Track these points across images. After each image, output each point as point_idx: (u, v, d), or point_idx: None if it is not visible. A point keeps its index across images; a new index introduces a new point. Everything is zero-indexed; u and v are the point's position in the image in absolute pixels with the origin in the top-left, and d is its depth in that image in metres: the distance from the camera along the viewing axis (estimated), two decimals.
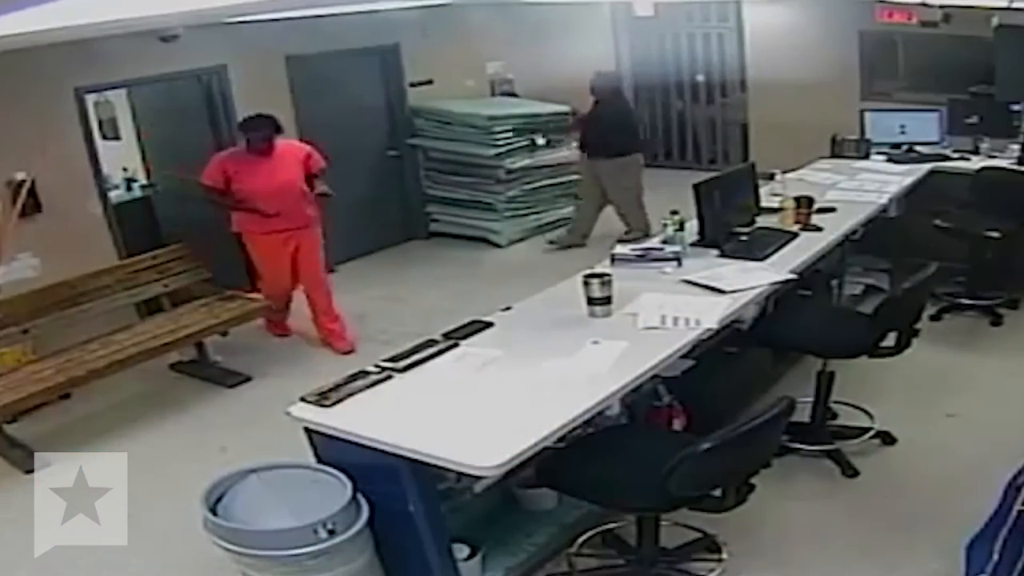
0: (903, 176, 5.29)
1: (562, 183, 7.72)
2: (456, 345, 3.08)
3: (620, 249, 3.88)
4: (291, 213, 5.08)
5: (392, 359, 2.96)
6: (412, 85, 7.48)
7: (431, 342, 3.09)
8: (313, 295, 5.39)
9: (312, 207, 5.23)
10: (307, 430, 2.72)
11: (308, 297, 5.41)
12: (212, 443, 4.29)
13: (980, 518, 2.59)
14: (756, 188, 4.53)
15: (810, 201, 4.34)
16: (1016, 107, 5.63)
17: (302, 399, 2.74)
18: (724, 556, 3.09)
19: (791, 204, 4.33)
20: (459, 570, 2.76)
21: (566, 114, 7.26)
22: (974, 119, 5.80)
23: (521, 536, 3.10)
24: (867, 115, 6.00)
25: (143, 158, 6.93)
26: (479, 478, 2.65)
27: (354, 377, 2.86)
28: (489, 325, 3.26)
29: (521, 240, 7.50)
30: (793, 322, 3.78)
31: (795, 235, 4.16)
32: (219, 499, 2.63)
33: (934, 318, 4.97)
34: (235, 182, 5.04)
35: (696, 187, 4.06)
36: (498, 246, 7.44)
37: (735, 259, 3.84)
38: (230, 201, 5.09)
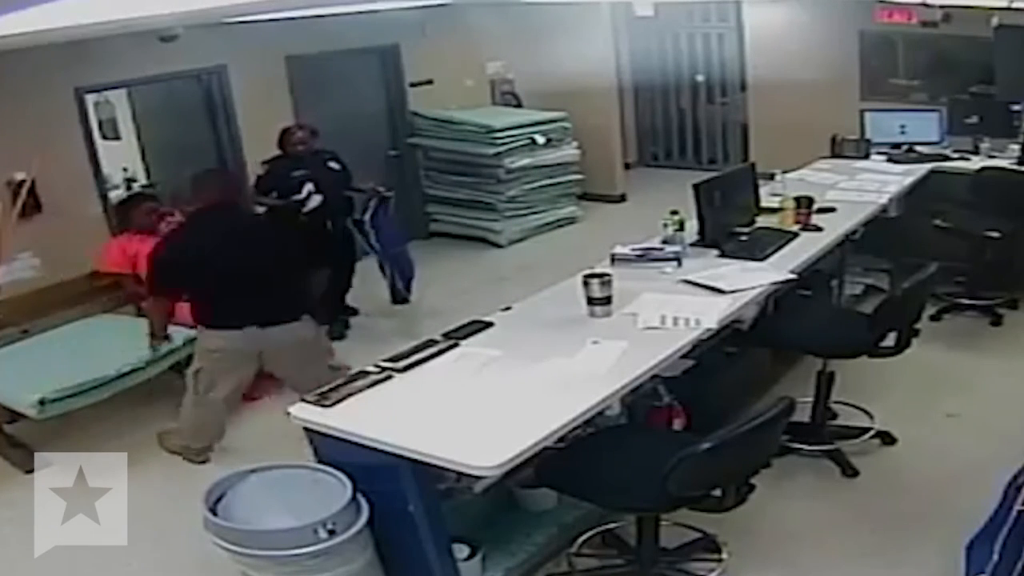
0: (903, 176, 5.28)
1: (562, 183, 7.74)
2: (456, 345, 3.08)
3: (620, 249, 3.87)
4: None
5: (392, 359, 2.95)
6: (412, 85, 7.48)
7: (431, 342, 3.09)
8: None
9: None
10: (307, 430, 2.71)
11: None
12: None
13: (980, 518, 2.59)
14: (756, 188, 4.52)
15: (810, 201, 4.34)
16: (1016, 107, 5.62)
17: (302, 399, 2.75)
18: (724, 556, 3.09)
19: (791, 204, 4.33)
20: (459, 570, 2.75)
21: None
22: (974, 119, 5.80)
23: (521, 536, 3.10)
24: (867, 115, 5.99)
25: (143, 158, 6.94)
26: (479, 478, 2.65)
27: (354, 377, 2.86)
28: (489, 325, 3.26)
29: (521, 240, 7.50)
30: (793, 322, 3.78)
31: (795, 235, 4.16)
32: (219, 499, 2.63)
33: (934, 318, 4.97)
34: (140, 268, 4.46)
35: (696, 187, 4.06)
36: (498, 246, 7.44)
37: (735, 259, 3.83)
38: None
